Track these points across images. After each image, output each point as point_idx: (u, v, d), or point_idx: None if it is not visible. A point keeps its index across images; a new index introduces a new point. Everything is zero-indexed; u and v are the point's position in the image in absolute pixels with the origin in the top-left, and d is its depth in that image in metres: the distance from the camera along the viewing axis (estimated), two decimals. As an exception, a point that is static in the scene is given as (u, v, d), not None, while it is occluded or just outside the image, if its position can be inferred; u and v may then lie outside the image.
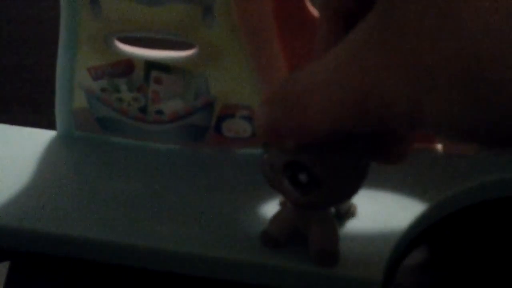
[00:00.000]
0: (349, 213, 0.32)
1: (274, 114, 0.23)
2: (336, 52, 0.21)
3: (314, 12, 0.34)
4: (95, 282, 0.31)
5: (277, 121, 0.23)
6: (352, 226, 0.32)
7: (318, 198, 0.25)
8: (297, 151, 0.25)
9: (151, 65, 0.35)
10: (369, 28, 0.20)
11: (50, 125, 0.39)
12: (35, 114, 0.42)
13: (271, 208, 0.33)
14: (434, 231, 0.34)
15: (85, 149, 0.37)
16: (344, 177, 0.25)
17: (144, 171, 0.36)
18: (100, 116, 0.37)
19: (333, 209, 0.32)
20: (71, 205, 0.33)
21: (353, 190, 0.26)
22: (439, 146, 0.37)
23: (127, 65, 0.35)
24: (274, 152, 0.25)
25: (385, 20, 0.19)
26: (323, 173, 0.25)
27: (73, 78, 0.36)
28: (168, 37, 0.34)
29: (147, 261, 0.31)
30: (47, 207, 0.33)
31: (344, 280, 0.30)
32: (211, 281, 0.31)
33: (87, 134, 0.38)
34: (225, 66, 0.34)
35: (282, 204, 0.32)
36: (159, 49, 0.35)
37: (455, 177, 0.35)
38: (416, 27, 0.18)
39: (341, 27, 0.24)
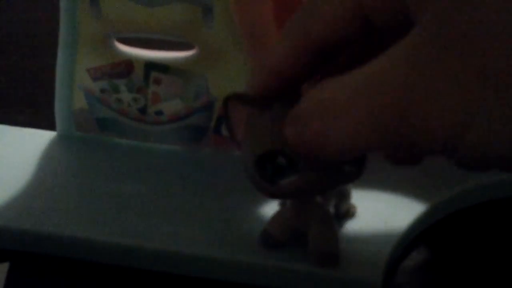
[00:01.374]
0: (349, 214, 0.32)
1: (292, 128, 0.22)
2: (367, 71, 0.19)
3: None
4: (95, 283, 0.31)
5: (293, 136, 0.22)
6: (352, 226, 0.32)
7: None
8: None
9: (151, 65, 0.35)
10: (413, 45, 0.18)
11: (50, 126, 0.39)
12: (35, 115, 0.42)
13: (271, 208, 0.33)
14: (434, 231, 0.34)
15: (85, 150, 0.37)
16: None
17: (144, 172, 0.36)
18: (99, 117, 0.37)
19: (332, 210, 0.32)
20: (71, 205, 0.33)
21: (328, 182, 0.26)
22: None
23: (127, 65, 0.35)
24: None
25: (433, 36, 0.18)
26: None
27: (73, 78, 0.36)
28: (167, 37, 0.34)
29: (147, 261, 0.31)
30: (47, 207, 0.33)
31: (344, 280, 0.30)
32: (211, 282, 0.31)
33: (87, 135, 0.38)
34: (224, 66, 0.34)
35: (281, 204, 0.32)
36: (158, 50, 0.35)
37: (454, 178, 0.35)
38: (468, 41, 0.17)
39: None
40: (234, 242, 0.31)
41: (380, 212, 0.33)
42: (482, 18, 0.17)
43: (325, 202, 0.31)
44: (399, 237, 0.32)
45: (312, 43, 0.22)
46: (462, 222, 0.34)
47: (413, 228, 0.33)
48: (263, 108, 0.25)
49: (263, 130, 0.25)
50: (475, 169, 0.19)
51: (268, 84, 0.24)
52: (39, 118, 0.41)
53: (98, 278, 0.31)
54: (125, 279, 0.31)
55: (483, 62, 0.17)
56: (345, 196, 0.32)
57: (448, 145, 0.18)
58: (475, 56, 0.17)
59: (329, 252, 0.30)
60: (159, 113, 0.36)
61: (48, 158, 0.36)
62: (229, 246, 0.31)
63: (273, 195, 0.26)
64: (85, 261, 0.32)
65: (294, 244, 0.30)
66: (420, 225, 0.33)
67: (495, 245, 0.33)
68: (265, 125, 0.25)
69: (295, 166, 0.24)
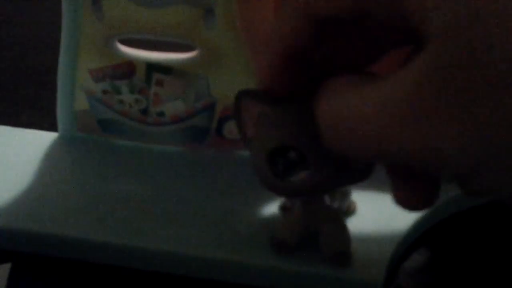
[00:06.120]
0: (350, 210, 0.32)
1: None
2: (377, 93, 0.18)
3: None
4: (96, 284, 0.31)
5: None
6: (354, 228, 0.32)
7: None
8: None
9: (153, 67, 0.35)
10: (420, 73, 0.17)
11: (52, 127, 0.39)
12: (37, 116, 0.42)
13: (271, 209, 0.33)
14: (435, 233, 0.34)
15: (87, 151, 0.37)
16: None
17: (145, 173, 0.36)
18: (101, 118, 0.37)
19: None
20: (72, 206, 0.33)
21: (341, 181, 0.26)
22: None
23: (129, 67, 0.35)
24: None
25: (442, 67, 0.17)
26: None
27: (75, 80, 0.36)
28: (169, 39, 0.34)
29: (148, 262, 0.31)
30: (49, 208, 0.33)
31: (346, 281, 0.30)
32: (211, 282, 0.31)
33: (88, 136, 0.38)
34: (226, 68, 0.34)
35: (284, 208, 0.32)
36: (160, 51, 0.35)
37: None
38: (477, 92, 0.16)
39: (316, 32, 0.22)
40: (235, 243, 0.31)
41: (382, 214, 0.33)
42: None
43: (331, 202, 0.31)
44: (401, 238, 0.32)
45: (309, 10, 0.22)
46: (463, 223, 0.35)
47: (415, 229, 0.33)
48: (275, 104, 0.25)
49: (276, 125, 0.25)
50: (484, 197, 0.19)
51: (278, 64, 0.23)
52: (41, 119, 0.41)
53: (99, 279, 0.31)
54: (126, 280, 0.31)
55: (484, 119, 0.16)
56: (347, 194, 0.32)
57: (458, 181, 0.18)
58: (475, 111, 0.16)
59: (342, 251, 0.30)
60: (160, 114, 0.36)
61: (50, 159, 0.36)
62: (229, 247, 0.31)
63: (283, 193, 0.25)
64: (86, 262, 0.32)
65: (304, 247, 0.30)
66: (422, 226, 0.33)
67: (495, 246, 0.33)
68: (277, 121, 0.25)
69: (305, 162, 0.24)
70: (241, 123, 0.27)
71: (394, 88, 0.18)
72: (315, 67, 0.24)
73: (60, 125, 0.38)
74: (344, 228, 0.30)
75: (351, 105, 0.20)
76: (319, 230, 0.30)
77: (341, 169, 0.25)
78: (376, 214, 0.33)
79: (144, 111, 0.36)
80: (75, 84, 0.36)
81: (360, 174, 0.25)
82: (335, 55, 0.23)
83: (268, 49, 0.24)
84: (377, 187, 0.34)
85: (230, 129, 0.36)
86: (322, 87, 0.22)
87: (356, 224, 0.32)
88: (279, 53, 0.23)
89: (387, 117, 0.18)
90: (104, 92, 0.36)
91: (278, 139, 0.25)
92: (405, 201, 0.22)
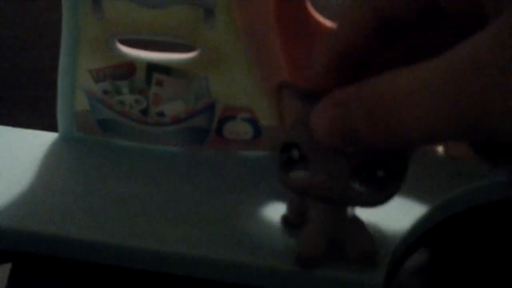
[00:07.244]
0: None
1: (353, 119, 0.21)
2: (446, 61, 0.18)
3: (316, 15, 0.34)
4: (95, 284, 0.31)
5: (356, 127, 0.21)
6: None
7: (392, 191, 0.26)
8: (371, 152, 0.24)
9: (153, 67, 0.35)
10: (500, 31, 0.17)
11: (52, 127, 0.39)
12: (37, 116, 0.42)
13: (272, 209, 0.33)
14: (435, 233, 0.34)
15: (87, 151, 0.37)
16: (407, 168, 0.25)
17: (145, 173, 0.36)
18: (101, 118, 0.37)
19: None
20: (73, 207, 0.33)
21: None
22: (440, 148, 0.37)
23: (129, 67, 0.35)
24: (333, 160, 0.25)
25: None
26: (399, 165, 0.25)
27: (75, 80, 0.36)
28: (169, 39, 0.34)
29: (149, 263, 0.31)
30: (49, 209, 0.33)
31: (346, 282, 0.30)
32: (211, 283, 0.31)
33: (88, 136, 0.38)
34: (226, 68, 0.34)
35: (285, 220, 0.32)
36: (160, 52, 0.35)
37: (456, 179, 0.35)
38: None
39: (379, 36, 0.22)
40: (235, 243, 0.31)
41: (381, 214, 0.33)
42: None
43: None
44: (401, 238, 0.32)
45: (378, 15, 0.21)
46: (463, 223, 0.35)
47: (415, 229, 0.33)
48: (309, 102, 0.25)
49: (296, 121, 0.25)
50: None
51: (331, 68, 0.23)
52: (41, 120, 0.41)
53: (98, 279, 0.31)
54: (127, 280, 0.31)
55: None
56: None
57: None
58: None
59: (370, 251, 0.30)
60: (160, 114, 0.36)
61: (50, 160, 0.36)
62: (230, 247, 0.31)
63: (285, 186, 0.26)
64: (86, 262, 0.32)
65: (330, 255, 0.30)
66: (422, 227, 0.33)
67: (496, 247, 0.33)
68: (299, 118, 0.25)
69: (305, 162, 0.25)
70: (280, 113, 0.27)
71: (458, 59, 0.18)
72: (368, 72, 0.23)
73: (60, 125, 0.38)
74: (366, 230, 0.30)
75: (404, 85, 0.19)
76: (344, 235, 0.30)
77: (340, 172, 0.25)
78: (376, 214, 0.33)
79: (144, 112, 0.36)
80: (75, 84, 0.36)
81: (361, 196, 0.25)
82: (395, 61, 0.22)
83: (327, 47, 0.23)
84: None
85: (230, 129, 0.36)
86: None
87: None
88: (338, 53, 0.23)
89: (456, 86, 0.18)
90: (105, 92, 0.36)
91: (288, 135, 0.25)
92: None
